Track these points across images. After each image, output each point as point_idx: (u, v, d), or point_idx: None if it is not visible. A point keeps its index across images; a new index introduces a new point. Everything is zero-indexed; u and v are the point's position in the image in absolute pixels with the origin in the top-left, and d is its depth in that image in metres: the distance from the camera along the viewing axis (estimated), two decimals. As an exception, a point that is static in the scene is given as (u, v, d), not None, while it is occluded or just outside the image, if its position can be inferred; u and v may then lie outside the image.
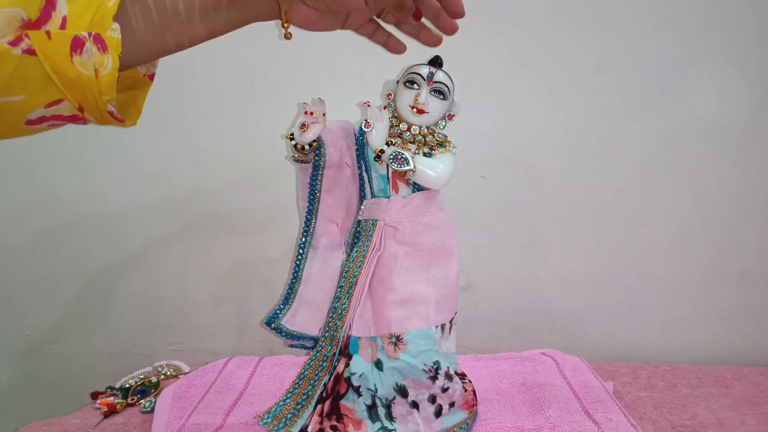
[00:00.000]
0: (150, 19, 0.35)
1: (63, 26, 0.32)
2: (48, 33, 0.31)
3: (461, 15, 0.42)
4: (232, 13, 0.39)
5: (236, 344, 0.85)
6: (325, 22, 0.42)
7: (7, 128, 0.34)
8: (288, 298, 0.55)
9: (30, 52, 0.31)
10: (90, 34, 0.32)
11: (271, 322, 0.54)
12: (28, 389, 0.88)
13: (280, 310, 0.55)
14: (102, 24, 0.32)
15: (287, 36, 0.41)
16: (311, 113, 0.48)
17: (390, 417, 0.52)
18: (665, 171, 0.77)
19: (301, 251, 0.55)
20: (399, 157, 0.48)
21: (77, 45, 0.32)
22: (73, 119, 0.36)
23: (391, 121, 0.51)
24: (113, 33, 0.33)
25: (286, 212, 0.78)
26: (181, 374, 0.73)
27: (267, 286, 0.82)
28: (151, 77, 0.40)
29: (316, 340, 0.56)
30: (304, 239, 0.54)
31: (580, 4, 0.72)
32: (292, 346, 0.57)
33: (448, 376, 0.52)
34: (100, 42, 0.32)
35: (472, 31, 0.73)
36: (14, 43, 0.30)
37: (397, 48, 0.46)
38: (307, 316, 0.55)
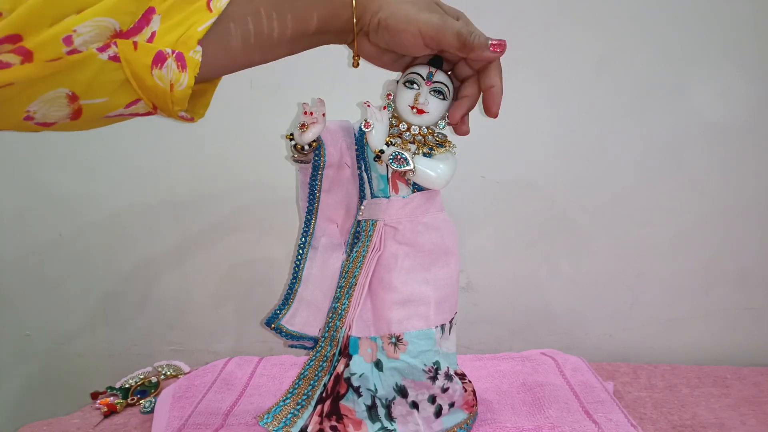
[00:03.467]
0: (247, 41, 0.37)
1: (150, 40, 0.34)
2: (135, 44, 0.33)
3: (494, 115, 0.46)
4: (313, 40, 0.42)
5: (236, 344, 0.85)
6: (383, 59, 0.46)
7: (88, 123, 0.36)
8: (288, 298, 0.55)
9: (115, 58, 0.33)
10: (173, 51, 0.34)
11: (271, 323, 0.54)
12: (28, 389, 0.88)
13: (280, 310, 0.55)
14: (187, 44, 0.34)
15: (356, 64, 0.45)
16: (311, 113, 0.48)
17: (390, 417, 0.52)
18: (665, 171, 0.77)
19: (300, 251, 0.55)
20: (399, 157, 0.48)
21: (159, 59, 0.34)
22: (147, 114, 0.38)
23: (390, 121, 0.51)
24: (195, 54, 0.35)
25: (286, 212, 0.78)
26: (181, 374, 0.73)
27: (267, 286, 0.82)
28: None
29: (315, 340, 0.56)
30: (303, 239, 0.54)
31: (580, 4, 0.72)
32: (291, 346, 0.57)
33: (448, 377, 0.52)
34: (181, 60, 0.34)
35: (472, 31, 0.73)
36: (102, 49, 0.33)
37: (462, 130, 0.50)
38: (306, 317, 0.55)
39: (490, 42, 0.42)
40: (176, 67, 0.34)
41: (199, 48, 0.34)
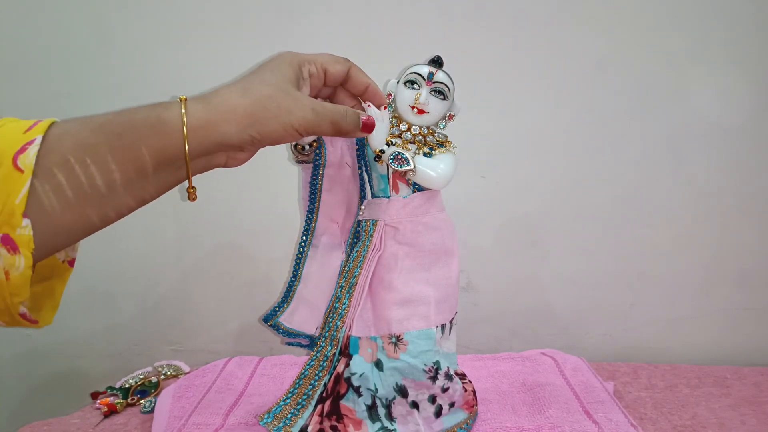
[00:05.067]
0: (64, 198, 0.31)
1: None
2: None
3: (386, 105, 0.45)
4: (162, 177, 0.35)
5: (236, 344, 0.85)
6: (256, 151, 0.43)
7: None
8: (287, 295, 0.55)
9: None
10: None
11: (269, 319, 0.55)
12: (28, 389, 0.88)
13: (279, 307, 0.55)
14: (11, 222, 0.29)
15: (193, 197, 0.40)
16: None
17: (390, 417, 0.52)
18: (666, 171, 0.77)
19: (301, 250, 0.55)
20: (399, 157, 0.48)
21: None
22: None
23: (391, 121, 0.51)
24: (24, 230, 0.29)
25: (286, 212, 0.78)
26: (181, 374, 0.73)
27: (267, 285, 0.82)
28: (71, 263, 0.35)
29: (311, 338, 0.56)
30: (304, 238, 0.54)
31: (580, 4, 0.72)
32: (288, 343, 0.58)
33: (448, 376, 0.52)
34: (9, 243, 0.29)
35: (472, 31, 0.74)
36: None
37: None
38: (305, 315, 0.55)
39: (361, 121, 0.42)
40: (7, 252, 0.29)
41: (26, 221, 0.29)
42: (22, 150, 0.29)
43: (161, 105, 0.35)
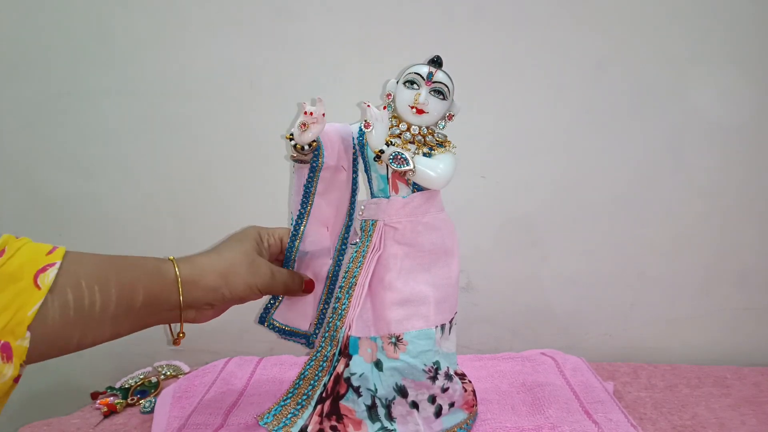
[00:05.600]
0: (67, 315, 0.34)
1: None
2: None
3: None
4: (140, 317, 0.41)
5: (236, 344, 0.84)
6: (222, 311, 0.49)
7: None
8: (276, 297, 0.56)
9: None
10: None
11: (264, 320, 0.56)
12: (28, 389, 0.88)
13: (270, 305, 0.56)
14: (15, 332, 0.31)
15: (177, 342, 0.46)
16: (311, 113, 0.48)
17: (390, 417, 0.52)
18: (666, 171, 0.77)
19: (289, 255, 0.54)
20: (399, 157, 0.48)
21: None
22: None
23: (390, 121, 0.51)
24: (23, 342, 0.31)
25: (286, 212, 0.78)
26: (181, 374, 0.73)
27: (267, 286, 0.82)
28: (17, 380, 0.35)
29: (307, 337, 0.57)
30: (292, 244, 0.54)
31: (581, 4, 0.72)
32: (285, 338, 0.58)
33: (448, 377, 0.52)
34: (6, 351, 0.30)
35: (472, 31, 0.74)
36: None
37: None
38: (295, 313, 0.57)
39: (304, 282, 0.52)
40: (0, 359, 0.30)
41: (28, 334, 0.31)
42: (43, 270, 0.33)
43: (158, 258, 0.43)
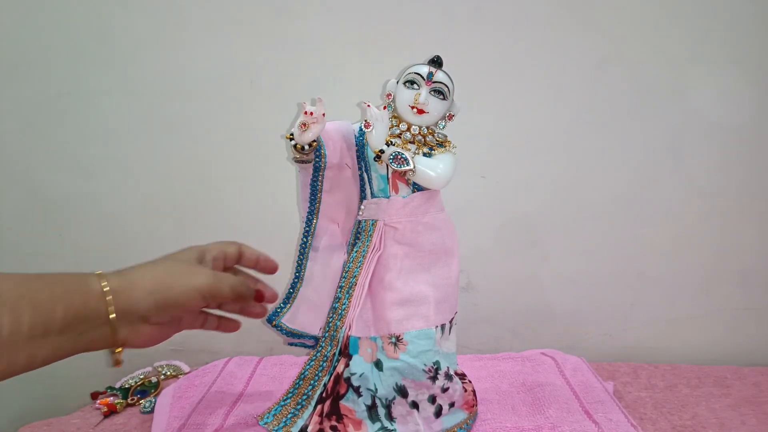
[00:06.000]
0: None
1: None
2: None
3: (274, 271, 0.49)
4: (62, 341, 0.36)
5: (236, 344, 0.84)
6: (164, 334, 0.44)
7: None
8: (289, 296, 0.55)
9: None
10: None
11: (272, 320, 0.55)
12: (28, 389, 0.88)
13: (281, 308, 0.55)
14: None
15: (118, 363, 0.41)
16: (311, 113, 0.48)
17: (390, 417, 0.52)
18: (666, 171, 0.77)
19: (302, 251, 0.55)
20: (399, 157, 0.48)
21: None
22: None
23: (390, 121, 0.51)
24: None
25: (286, 212, 0.78)
26: (181, 374, 0.73)
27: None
28: None
29: (315, 339, 0.56)
30: (305, 240, 0.54)
31: (581, 4, 0.72)
32: (291, 344, 0.57)
33: (448, 377, 0.52)
34: None
35: (472, 31, 0.74)
36: None
37: (230, 327, 0.50)
38: (308, 316, 0.55)
39: (255, 291, 0.48)
40: None
41: None
42: None
43: (83, 273, 0.39)
